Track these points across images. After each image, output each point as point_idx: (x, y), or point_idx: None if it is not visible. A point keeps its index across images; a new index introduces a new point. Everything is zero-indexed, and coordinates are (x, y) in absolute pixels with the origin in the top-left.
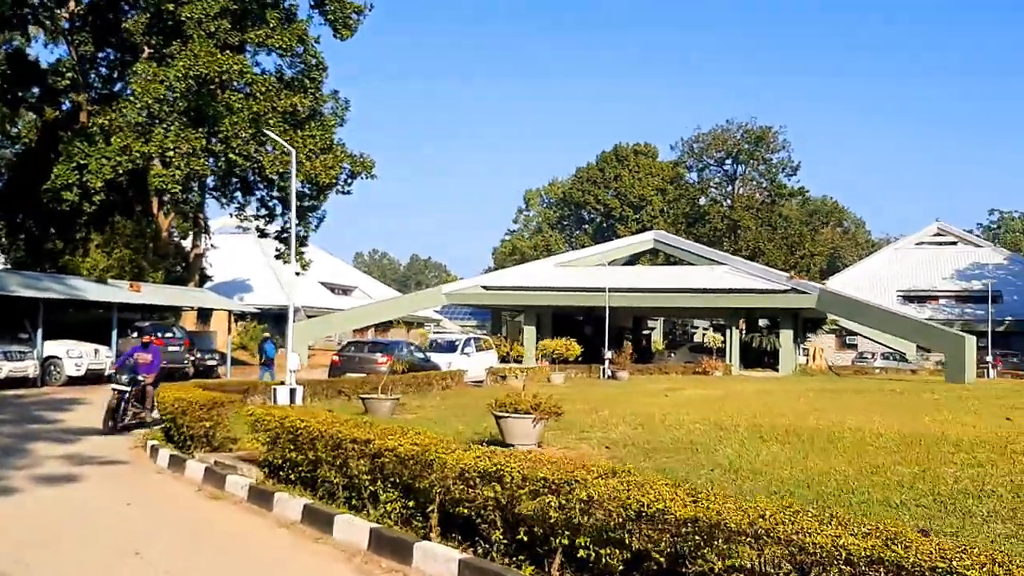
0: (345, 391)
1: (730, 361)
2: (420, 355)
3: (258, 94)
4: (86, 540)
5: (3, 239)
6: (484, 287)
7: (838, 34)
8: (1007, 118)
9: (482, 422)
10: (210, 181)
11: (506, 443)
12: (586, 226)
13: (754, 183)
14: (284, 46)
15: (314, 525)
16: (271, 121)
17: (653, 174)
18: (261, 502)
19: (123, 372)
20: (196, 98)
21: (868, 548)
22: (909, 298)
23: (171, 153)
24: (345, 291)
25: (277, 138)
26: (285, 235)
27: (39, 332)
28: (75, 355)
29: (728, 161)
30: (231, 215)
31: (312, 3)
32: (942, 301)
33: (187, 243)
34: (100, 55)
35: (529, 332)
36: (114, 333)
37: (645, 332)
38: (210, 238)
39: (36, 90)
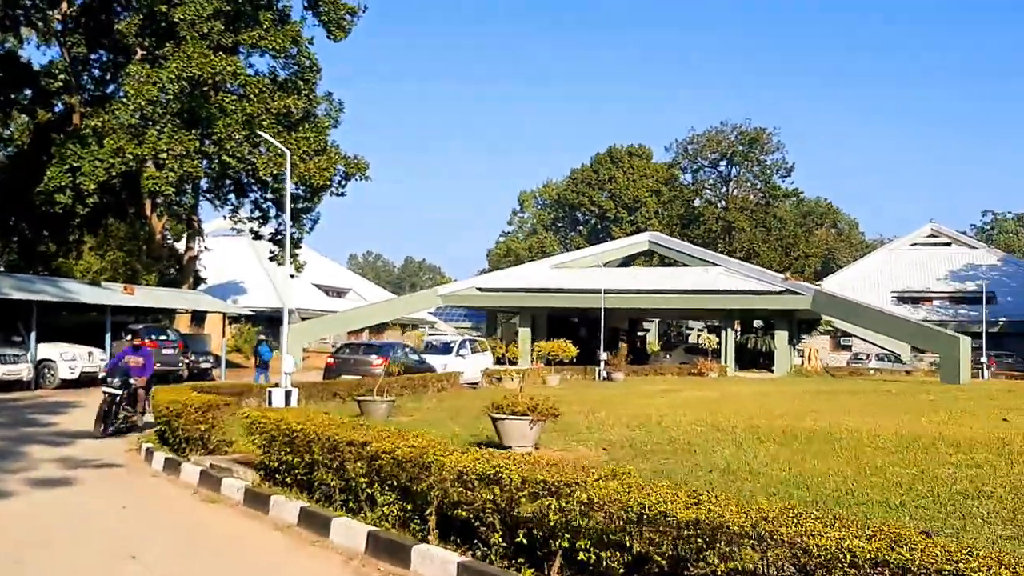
0: (340, 393)
1: (725, 362)
2: (415, 357)
3: (252, 96)
4: (81, 543)
5: None
6: (479, 289)
7: (837, 34)
8: (1000, 119)
9: (478, 424)
10: (204, 183)
11: (503, 445)
12: (581, 228)
13: (748, 184)
14: (278, 47)
15: (311, 528)
16: (265, 123)
17: (647, 176)
18: (257, 505)
19: (114, 375)
20: (189, 100)
21: (873, 550)
22: (903, 299)
23: (164, 155)
24: (339, 293)
25: (271, 140)
26: (279, 237)
27: (32, 335)
28: (69, 358)
29: (722, 163)
30: (225, 217)
31: (306, 4)
32: (936, 302)
33: (181, 245)
34: (93, 57)
35: (524, 334)
36: (108, 336)
37: (640, 333)
38: (204, 240)
39: (28, 92)
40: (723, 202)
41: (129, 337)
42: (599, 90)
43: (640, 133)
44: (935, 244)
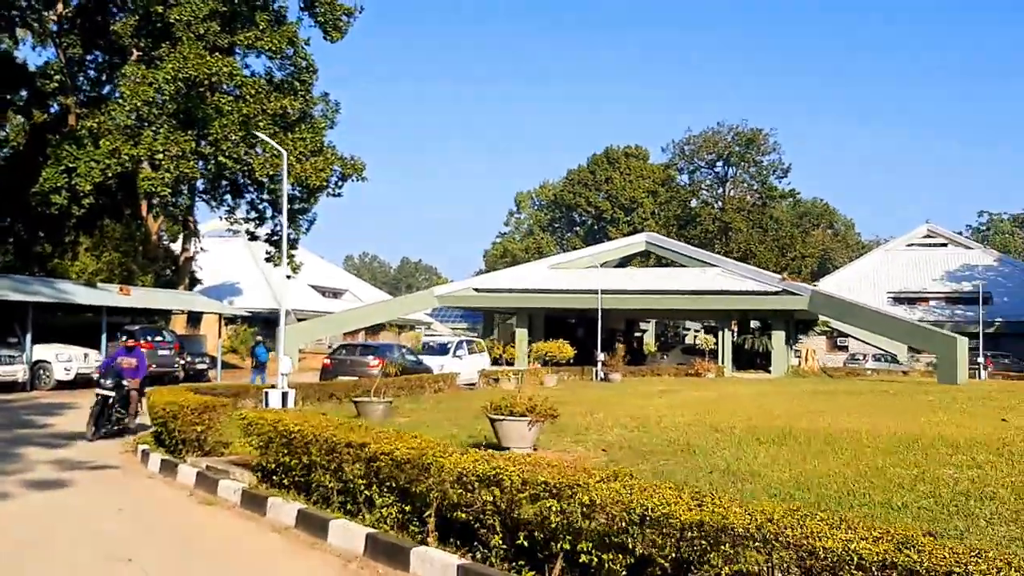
0: (337, 394)
1: (722, 363)
2: (412, 358)
3: (248, 96)
4: (78, 545)
5: None
6: (476, 289)
7: (837, 34)
8: (996, 120)
9: (476, 425)
10: (200, 184)
11: (501, 446)
12: (577, 228)
13: (745, 185)
14: (274, 48)
15: (308, 530)
16: (261, 123)
17: (644, 176)
18: (254, 507)
19: (107, 376)
20: (185, 101)
21: (880, 552)
22: (899, 300)
23: (160, 156)
24: (335, 294)
25: (268, 140)
26: (275, 238)
27: (28, 336)
28: (64, 359)
29: (719, 163)
30: (221, 218)
31: (302, 5)
32: (932, 303)
33: (177, 246)
34: (88, 58)
35: (521, 334)
36: (103, 337)
37: (637, 334)
38: (200, 241)
39: (24, 93)
40: (720, 203)
41: (125, 338)
42: (599, 90)
43: (640, 133)
44: (931, 245)
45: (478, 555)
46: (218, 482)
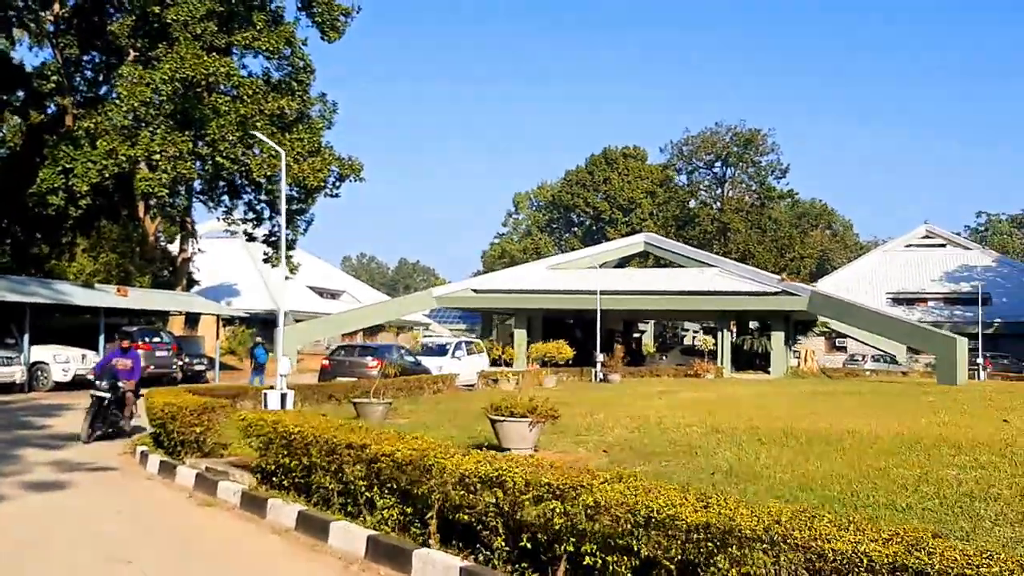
0: (336, 396)
1: (721, 363)
2: (411, 359)
3: (245, 97)
4: (77, 547)
5: None
6: (474, 290)
7: (837, 34)
8: (994, 120)
9: (476, 426)
10: (197, 184)
11: (502, 447)
12: (575, 229)
13: (743, 186)
14: (271, 48)
15: (309, 532)
16: (258, 124)
17: (642, 177)
18: (254, 509)
19: (103, 378)
20: (182, 101)
21: (890, 554)
22: (898, 300)
23: (157, 156)
24: (333, 295)
25: (266, 140)
26: (273, 239)
27: (26, 337)
28: (62, 360)
29: (717, 164)
30: (218, 219)
31: (299, 5)
32: (931, 303)
33: (174, 247)
34: (85, 58)
35: (520, 335)
36: (101, 338)
37: (636, 335)
38: (197, 242)
39: (21, 93)
40: (718, 203)
41: (120, 339)
42: (598, 90)
43: (640, 133)
44: (930, 245)
45: (481, 557)
46: (217, 483)
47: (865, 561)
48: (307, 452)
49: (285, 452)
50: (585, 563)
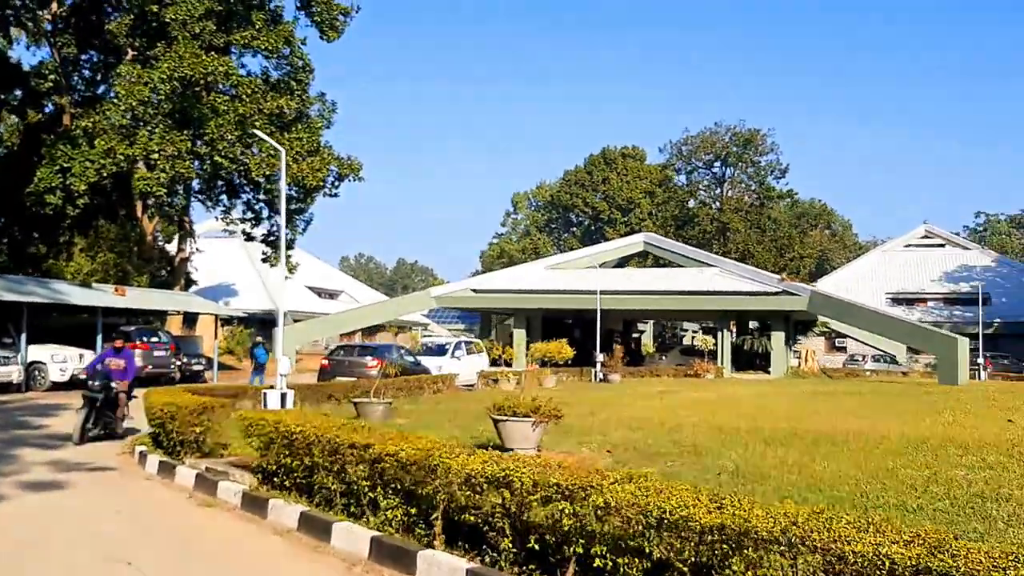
0: (336, 395)
1: (721, 364)
2: (410, 359)
3: (244, 96)
4: (76, 547)
5: None
6: (474, 290)
7: (837, 34)
8: (996, 120)
9: (477, 426)
10: (195, 184)
11: (505, 447)
12: (574, 229)
13: (743, 185)
14: (270, 48)
15: (311, 533)
16: (257, 123)
17: (641, 177)
18: (255, 509)
19: (95, 378)
20: (181, 100)
21: (913, 557)
22: (897, 300)
23: (156, 156)
24: (332, 295)
25: (266, 138)
26: (272, 238)
27: (23, 337)
28: (59, 360)
29: (717, 164)
30: (217, 218)
31: (298, 4)
32: (930, 303)
33: (172, 247)
34: (83, 57)
35: (519, 335)
36: (99, 338)
37: (635, 335)
38: (195, 242)
39: (18, 93)
40: (717, 203)
41: (114, 339)
42: (598, 90)
43: (639, 133)
44: (929, 245)
45: (487, 559)
46: (217, 484)
47: (887, 564)
48: (309, 452)
49: (287, 452)
50: (595, 565)
